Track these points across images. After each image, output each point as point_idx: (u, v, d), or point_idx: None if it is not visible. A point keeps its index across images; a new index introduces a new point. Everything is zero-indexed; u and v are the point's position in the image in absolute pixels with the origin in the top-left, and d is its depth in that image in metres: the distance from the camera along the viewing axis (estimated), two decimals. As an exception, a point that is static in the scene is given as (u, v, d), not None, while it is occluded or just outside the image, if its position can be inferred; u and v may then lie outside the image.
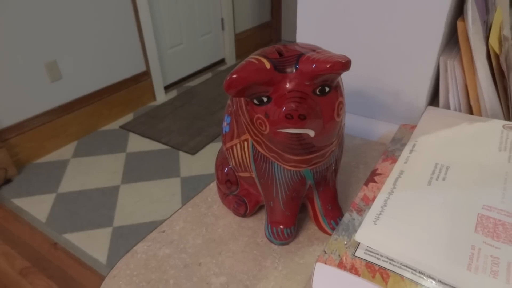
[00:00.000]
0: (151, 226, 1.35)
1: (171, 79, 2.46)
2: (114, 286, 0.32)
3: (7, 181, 1.61)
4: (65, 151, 1.82)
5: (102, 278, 1.17)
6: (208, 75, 2.66)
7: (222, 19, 2.69)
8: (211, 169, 1.66)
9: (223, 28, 2.74)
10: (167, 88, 2.45)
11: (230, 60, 2.89)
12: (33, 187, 1.58)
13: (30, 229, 1.38)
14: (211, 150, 1.79)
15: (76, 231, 1.34)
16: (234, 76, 0.28)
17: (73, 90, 1.87)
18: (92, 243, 1.29)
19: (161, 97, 2.35)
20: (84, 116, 1.94)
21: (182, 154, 1.77)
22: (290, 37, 3.31)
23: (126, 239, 1.30)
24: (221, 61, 2.89)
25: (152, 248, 0.36)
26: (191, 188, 1.54)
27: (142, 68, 2.20)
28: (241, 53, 2.97)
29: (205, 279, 0.32)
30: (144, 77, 2.22)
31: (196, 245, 0.36)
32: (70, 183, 1.59)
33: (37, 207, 1.46)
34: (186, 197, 1.49)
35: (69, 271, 1.20)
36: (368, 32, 0.48)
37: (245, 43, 2.98)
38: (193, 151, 1.79)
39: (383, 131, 0.53)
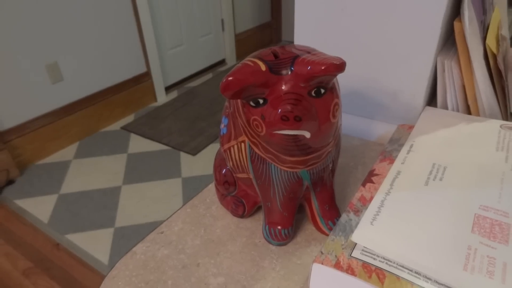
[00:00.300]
0: (152, 227, 1.36)
1: (172, 80, 2.47)
2: (113, 286, 0.33)
3: (10, 182, 1.62)
4: (67, 152, 1.83)
5: (104, 279, 1.18)
6: (208, 76, 2.67)
7: (222, 20, 2.70)
8: (212, 169, 1.66)
9: (223, 29, 2.74)
10: (168, 89, 2.46)
11: (231, 60, 2.89)
12: (35, 188, 1.58)
13: (33, 230, 1.38)
14: (212, 151, 1.80)
15: (78, 231, 1.35)
16: (230, 78, 0.28)
17: (74, 91, 1.88)
18: (94, 244, 1.29)
19: (162, 98, 2.35)
20: (85, 117, 1.94)
21: (183, 155, 1.78)
22: (291, 38, 3.31)
23: (127, 240, 1.30)
24: (222, 62, 2.89)
25: (151, 249, 0.36)
26: (192, 189, 1.55)
27: (143, 69, 2.21)
28: (241, 53, 2.97)
29: (203, 279, 0.33)
30: (144, 78, 2.23)
31: (194, 245, 0.36)
32: (72, 184, 1.60)
33: (39, 208, 1.47)
34: (187, 198, 1.49)
35: (71, 272, 1.21)
36: (365, 33, 0.48)
37: (245, 43, 2.98)
38: (194, 151, 1.79)
39: (381, 131, 0.53)
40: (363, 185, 0.37)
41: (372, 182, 0.37)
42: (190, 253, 0.35)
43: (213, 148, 1.82)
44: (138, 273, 0.34)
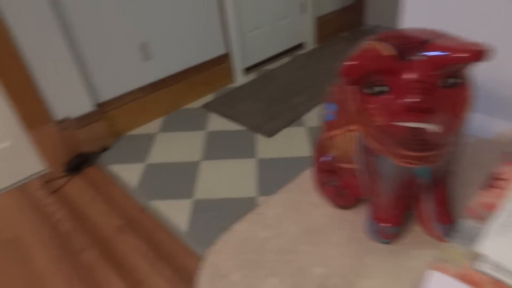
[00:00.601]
0: (228, 203, 1.41)
1: (251, 62, 2.50)
2: (215, 260, 0.34)
3: (105, 149, 1.81)
4: (154, 125, 1.98)
5: (183, 245, 1.27)
6: (287, 59, 2.64)
7: (303, 2, 2.62)
8: (286, 153, 1.66)
9: (303, 12, 2.67)
10: (247, 70, 2.50)
11: (310, 44, 2.82)
12: (126, 156, 1.75)
13: (123, 193, 1.54)
14: (287, 135, 1.80)
15: (161, 199, 1.46)
16: (352, 62, 0.27)
17: (162, 69, 2.00)
18: (174, 212, 1.39)
19: (241, 79, 2.40)
20: (170, 94, 2.07)
21: (258, 136, 1.80)
22: (374, 21, 3.11)
23: (205, 212, 1.38)
24: (301, 45, 2.83)
25: (250, 229, 0.37)
26: (266, 170, 1.57)
27: (224, 50, 2.27)
28: (321, 37, 2.88)
29: (304, 267, 0.32)
30: (225, 59, 2.29)
31: (293, 231, 0.36)
32: (157, 155, 1.73)
33: (129, 174, 1.63)
34: (262, 178, 1.52)
35: (155, 234, 1.33)
36: (490, 15, 0.42)
37: (326, 27, 2.88)
38: (269, 134, 1.81)
39: (499, 129, 0.47)
40: (485, 189, 0.33)
41: (496, 187, 0.33)
42: (289, 238, 0.35)
43: (289, 132, 1.81)
44: (238, 251, 0.35)
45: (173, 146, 1.79)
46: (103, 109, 1.82)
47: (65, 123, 1.69)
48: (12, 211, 1.51)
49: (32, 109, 1.59)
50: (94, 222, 1.41)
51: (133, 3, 1.76)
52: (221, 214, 1.37)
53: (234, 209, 1.38)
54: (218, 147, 1.75)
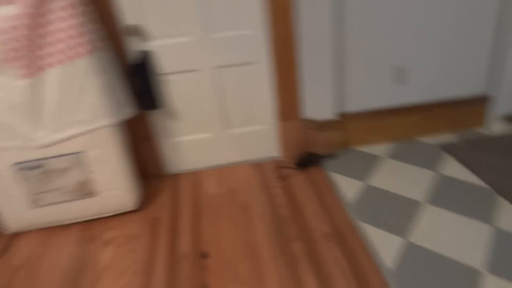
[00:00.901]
0: (445, 262, 1.26)
1: (516, 110, 2.08)
2: None
3: (332, 156, 1.94)
4: (382, 148, 1.96)
5: (384, 281, 1.23)
6: None
7: None
8: (540, 236, 1.32)
9: None
10: (508, 119, 2.10)
11: None
12: (349, 169, 1.82)
13: (338, 203, 1.62)
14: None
15: (372, 225, 1.45)
16: None
17: (408, 96, 1.95)
18: (383, 244, 1.35)
19: (496, 128, 2.04)
20: (408, 122, 1.99)
21: (502, 201, 1.50)
22: None
23: (416, 260, 1.28)
24: None
25: None
26: (503, 245, 1.30)
27: (483, 89, 1.98)
28: None
29: None
30: (482, 99, 2.00)
31: None
32: (379, 179, 1.72)
33: (347, 187, 1.69)
34: (494, 252, 1.27)
35: (358, 256, 1.33)
36: None
37: None
38: (519, 203, 1.48)
39: None
40: None
41: None
42: None
43: (551, 212, 1.43)
44: None
45: (397, 176, 1.72)
46: (342, 119, 1.94)
47: (308, 123, 1.90)
48: (249, 181, 1.85)
49: (289, 104, 1.87)
50: (306, 219, 1.55)
51: (396, 26, 1.76)
52: (433, 271, 1.23)
53: (450, 273, 1.22)
54: (447, 196, 1.57)
